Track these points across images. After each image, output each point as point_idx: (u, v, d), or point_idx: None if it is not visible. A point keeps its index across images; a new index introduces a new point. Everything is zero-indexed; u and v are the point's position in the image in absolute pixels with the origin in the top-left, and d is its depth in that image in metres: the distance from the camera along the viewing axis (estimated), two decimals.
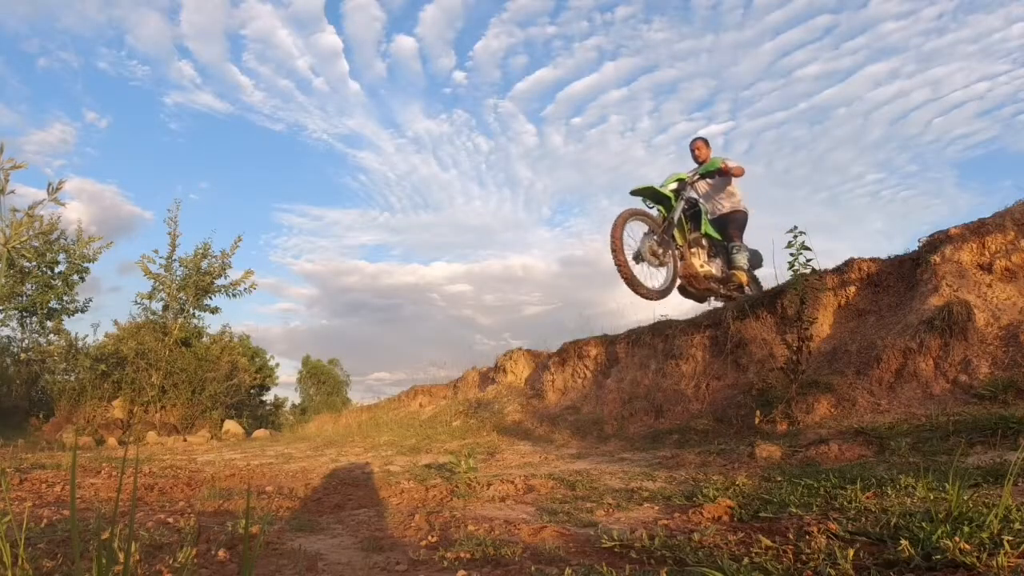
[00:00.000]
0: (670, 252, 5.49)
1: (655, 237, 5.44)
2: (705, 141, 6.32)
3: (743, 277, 5.90)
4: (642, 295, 5.28)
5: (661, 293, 5.44)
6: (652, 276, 5.56)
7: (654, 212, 5.67)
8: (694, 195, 5.91)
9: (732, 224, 6.10)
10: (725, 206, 6.19)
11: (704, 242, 5.87)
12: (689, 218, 5.80)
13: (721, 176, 5.95)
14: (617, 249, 4.99)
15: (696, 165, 6.24)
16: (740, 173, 6.03)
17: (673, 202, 5.53)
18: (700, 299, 6.24)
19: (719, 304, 6.39)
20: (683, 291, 6.03)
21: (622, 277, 5.10)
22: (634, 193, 5.61)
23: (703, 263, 5.77)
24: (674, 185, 5.64)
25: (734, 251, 5.92)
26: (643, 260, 5.32)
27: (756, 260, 6.26)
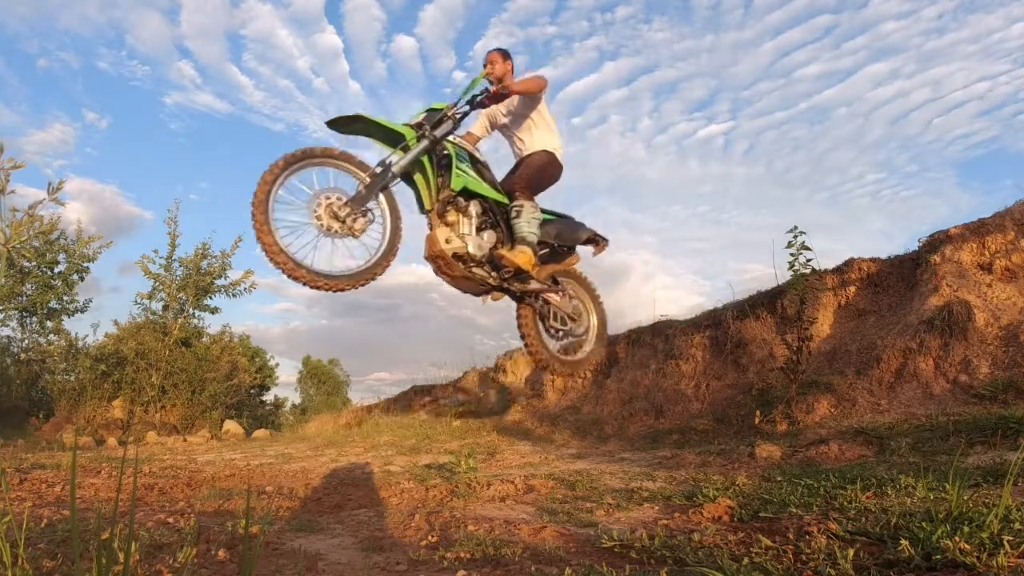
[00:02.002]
0: (370, 218, 3.36)
1: (348, 193, 3.33)
2: (504, 54, 4.11)
3: (519, 257, 3.69)
4: (300, 279, 3.03)
5: (345, 280, 3.23)
6: (348, 251, 3.53)
7: (367, 159, 3.42)
8: (449, 132, 3.63)
9: (520, 172, 4.01)
10: (528, 145, 4.12)
11: (471, 207, 3.73)
12: (444, 168, 3.67)
13: (496, 100, 3.82)
14: (257, 202, 2.98)
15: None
16: (535, 88, 3.94)
17: (410, 141, 3.45)
18: (473, 292, 3.96)
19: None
20: (444, 278, 3.89)
21: (261, 247, 2.99)
22: (337, 126, 3.48)
23: (451, 237, 3.64)
24: (421, 117, 3.59)
25: (513, 215, 3.81)
26: (321, 227, 3.23)
27: (571, 233, 4.19)
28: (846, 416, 4.46)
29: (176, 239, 11.08)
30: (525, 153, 4.12)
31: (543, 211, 4.05)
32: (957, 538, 1.34)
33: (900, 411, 4.27)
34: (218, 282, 11.37)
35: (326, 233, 3.22)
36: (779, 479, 2.68)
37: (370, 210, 3.36)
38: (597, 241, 4.24)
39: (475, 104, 3.72)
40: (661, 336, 6.99)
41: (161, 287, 11.07)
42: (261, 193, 3.00)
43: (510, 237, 3.83)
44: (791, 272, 4.86)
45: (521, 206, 3.80)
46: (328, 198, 3.24)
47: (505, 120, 4.22)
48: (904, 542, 1.38)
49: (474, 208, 3.73)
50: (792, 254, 4.77)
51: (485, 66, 4.03)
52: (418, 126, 3.51)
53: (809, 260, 4.78)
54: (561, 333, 4.03)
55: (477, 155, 3.86)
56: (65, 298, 11.13)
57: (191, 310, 11.24)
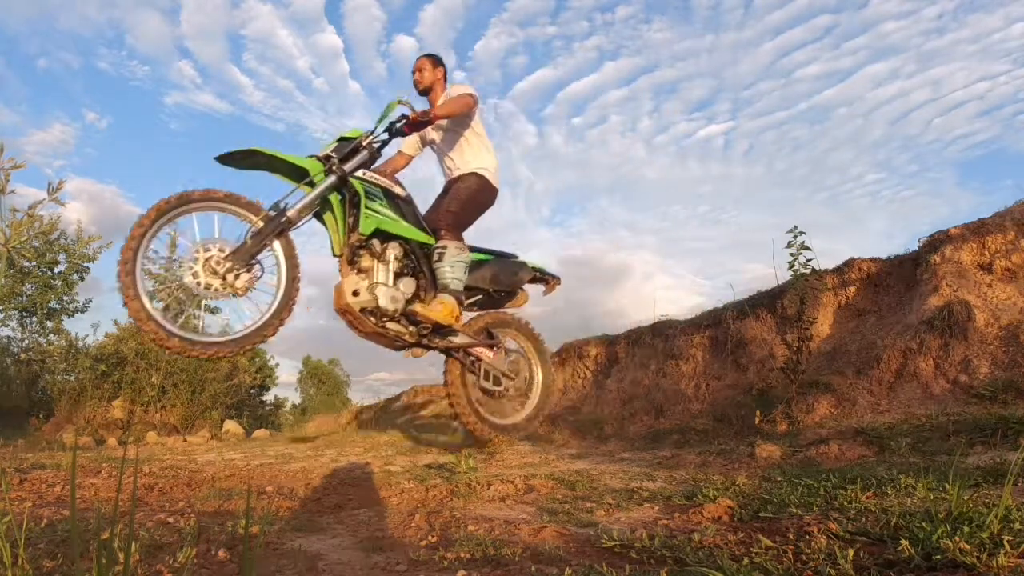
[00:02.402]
0: (257, 272, 2.84)
1: (233, 244, 2.80)
2: (434, 60, 3.58)
3: (439, 311, 3.14)
4: (172, 350, 2.58)
5: (223, 346, 2.71)
6: (233, 311, 3.07)
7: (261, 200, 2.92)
8: (364, 165, 3.10)
9: (445, 205, 3.42)
10: (454, 166, 3.60)
11: (389, 250, 3.17)
12: (356, 207, 3.13)
13: (417, 127, 3.21)
14: (124, 260, 2.54)
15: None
16: (460, 109, 3.34)
17: (314, 177, 2.93)
18: (389, 347, 3.35)
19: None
20: (353, 330, 3.29)
21: (128, 312, 2.57)
22: (227, 161, 2.94)
23: (360, 288, 3.10)
24: (332, 148, 3.06)
25: (436, 259, 3.24)
26: (198, 286, 2.76)
27: (508, 275, 3.57)
28: (846, 416, 4.46)
29: (176, 239, 11.08)
30: (455, 174, 3.59)
31: (476, 250, 3.47)
32: (957, 538, 1.34)
33: (900, 411, 4.27)
34: None
35: (204, 293, 2.78)
36: (779, 479, 2.69)
37: (257, 263, 2.86)
38: (546, 279, 3.75)
39: (395, 132, 3.17)
40: (661, 336, 6.99)
41: (161, 287, 11.06)
42: (128, 251, 2.57)
43: (433, 284, 3.29)
44: (791, 272, 4.86)
45: (444, 248, 3.25)
46: (208, 251, 2.75)
47: (435, 136, 3.67)
48: (904, 542, 1.38)
49: (392, 252, 3.19)
50: (792, 254, 4.77)
51: (414, 73, 3.56)
52: (326, 159, 3.01)
53: (809, 260, 4.79)
54: (495, 394, 3.51)
55: (396, 190, 3.28)
56: (65, 298, 11.13)
57: (191, 310, 11.23)
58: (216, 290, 2.79)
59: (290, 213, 2.87)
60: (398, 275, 3.24)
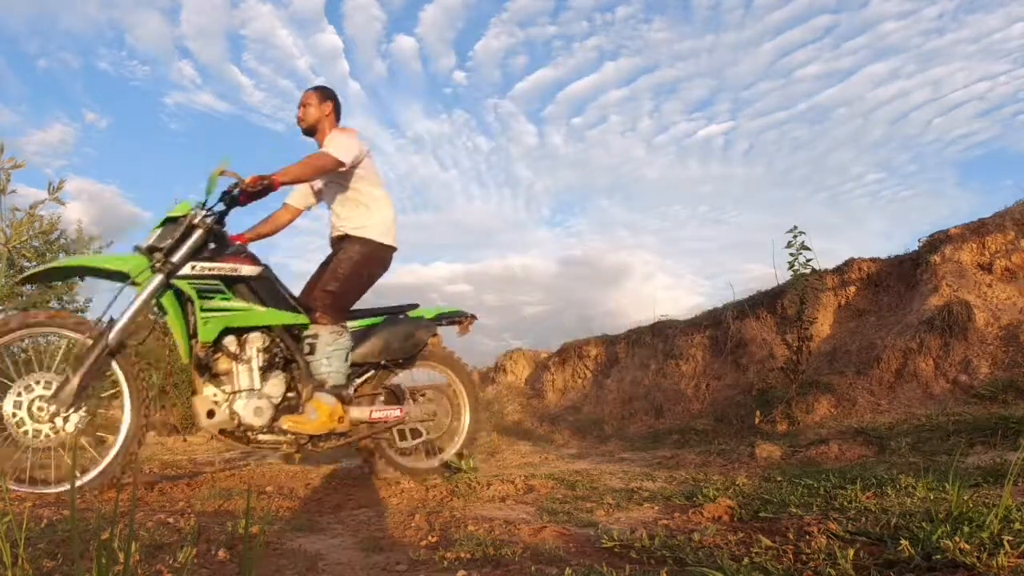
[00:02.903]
0: (85, 405, 2.39)
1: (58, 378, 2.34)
2: (323, 94, 3.06)
3: (311, 424, 2.71)
4: None
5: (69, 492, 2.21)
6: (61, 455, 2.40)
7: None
8: (199, 249, 2.59)
9: (323, 282, 2.92)
10: (340, 223, 3.07)
11: (245, 344, 2.67)
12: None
13: (257, 196, 2.65)
14: None
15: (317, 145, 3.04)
16: (309, 175, 2.85)
17: (137, 278, 2.48)
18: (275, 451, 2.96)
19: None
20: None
21: None
22: (31, 281, 2.86)
23: (215, 406, 2.62)
24: (155, 236, 2.53)
25: (307, 350, 2.78)
26: (31, 435, 2.28)
27: (398, 339, 3.03)
28: (846, 416, 4.46)
29: None
30: (338, 232, 3.06)
31: (361, 315, 3.04)
32: (957, 538, 1.34)
33: (900, 411, 4.28)
34: None
35: (32, 443, 2.26)
36: (779, 479, 2.69)
37: (86, 397, 2.38)
38: (458, 321, 3.33)
39: (231, 202, 2.62)
40: (661, 336, 7.00)
41: None
42: None
43: (310, 374, 2.77)
44: (791, 272, 4.87)
45: (316, 337, 2.75)
46: (30, 390, 2.28)
47: (320, 185, 3.18)
48: (904, 542, 1.38)
49: (254, 346, 2.66)
50: (792, 254, 4.78)
51: (298, 108, 3.06)
52: (150, 250, 2.49)
53: (809, 260, 4.79)
54: (418, 447, 3.16)
55: (243, 271, 2.67)
56: (65, 298, 11.12)
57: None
58: (46, 438, 2.29)
59: (111, 339, 2.38)
60: (266, 371, 2.71)
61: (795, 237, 4.74)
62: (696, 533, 1.77)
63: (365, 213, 3.03)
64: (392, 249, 3.10)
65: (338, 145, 2.84)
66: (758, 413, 4.82)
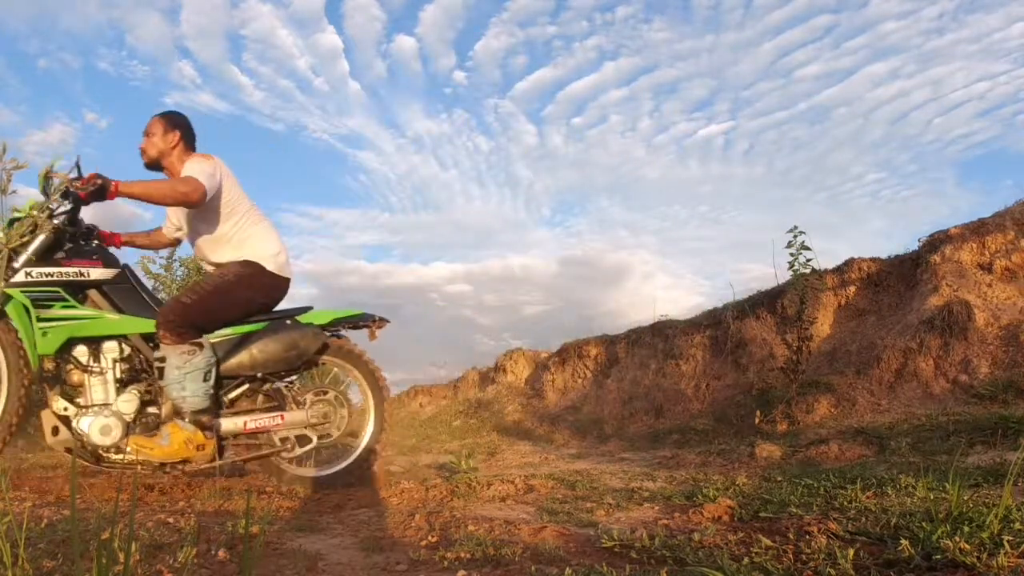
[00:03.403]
0: None
1: None
2: (168, 123, 2.72)
3: (168, 449, 2.47)
4: None
5: None
6: None
7: None
8: (43, 251, 2.46)
9: (178, 294, 3.13)
10: (207, 260, 2.82)
11: (99, 352, 2.50)
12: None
13: (96, 197, 2.41)
14: None
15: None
16: (159, 197, 2.48)
17: None
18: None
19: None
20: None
21: None
22: None
23: (58, 422, 2.45)
24: None
25: (158, 374, 2.54)
26: None
27: (281, 348, 2.69)
28: (846, 416, 4.46)
29: None
30: (210, 267, 2.80)
31: (237, 323, 2.70)
32: (957, 538, 1.34)
33: (900, 411, 4.27)
34: None
35: None
36: (779, 479, 2.69)
37: None
38: (365, 325, 2.98)
39: (76, 201, 2.44)
40: (661, 336, 6.99)
41: (161, 287, 11.07)
42: None
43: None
44: (791, 272, 4.86)
45: (164, 360, 2.47)
46: None
47: (179, 223, 2.88)
48: (904, 542, 1.38)
49: (109, 355, 2.48)
50: (792, 254, 4.78)
51: (145, 136, 2.71)
52: None
53: (809, 260, 4.79)
54: (313, 451, 2.88)
55: (92, 274, 2.49)
56: None
57: None
58: None
59: None
60: (126, 384, 2.50)
61: (795, 237, 4.74)
62: (696, 533, 1.77)
63: (238, 249, 2.68)
64: (282, 279, 2.76)
65: (200, 173, 2.49)
66: (758, 413, 4.82)
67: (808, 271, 4.85)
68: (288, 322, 2.78)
